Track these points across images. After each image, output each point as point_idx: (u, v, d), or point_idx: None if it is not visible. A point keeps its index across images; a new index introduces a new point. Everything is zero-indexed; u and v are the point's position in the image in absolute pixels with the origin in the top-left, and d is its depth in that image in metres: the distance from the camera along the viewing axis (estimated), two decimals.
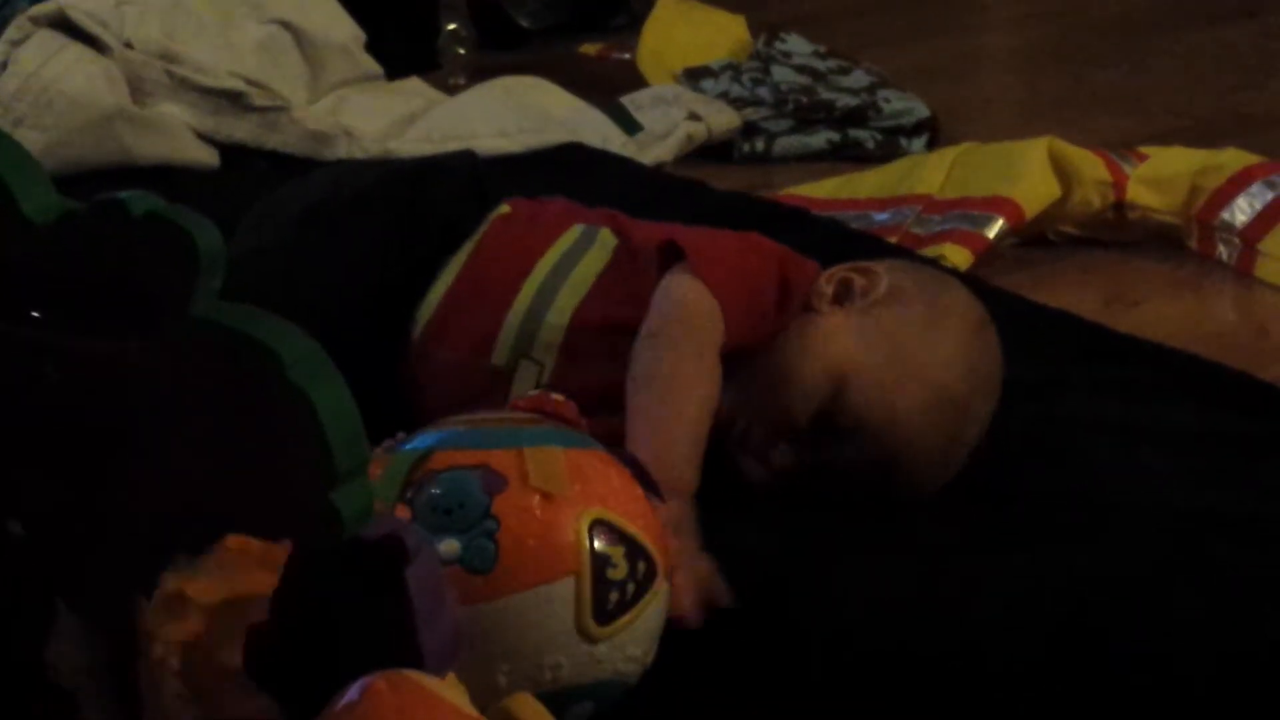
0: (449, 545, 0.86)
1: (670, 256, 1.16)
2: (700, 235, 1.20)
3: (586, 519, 0.88)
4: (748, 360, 1.14)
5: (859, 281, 1.16)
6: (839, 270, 1.18)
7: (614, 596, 0.88)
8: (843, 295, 1.16)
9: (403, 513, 0.87)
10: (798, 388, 1.11)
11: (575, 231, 1.22)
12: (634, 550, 0.89)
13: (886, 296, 1.15)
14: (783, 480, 1.12)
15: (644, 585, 0.89)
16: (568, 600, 0.87)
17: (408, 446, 0.92)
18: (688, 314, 1.12)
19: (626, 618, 0.88)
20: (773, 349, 1.14)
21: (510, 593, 0.86)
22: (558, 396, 0.97)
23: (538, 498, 0.87)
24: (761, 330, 1.14)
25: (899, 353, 1.11)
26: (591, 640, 0.87)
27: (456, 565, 0.85)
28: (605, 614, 0.88)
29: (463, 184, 1.27)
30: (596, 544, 0.88)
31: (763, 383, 1.13)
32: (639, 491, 0.93)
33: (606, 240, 1.21)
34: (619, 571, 0.88)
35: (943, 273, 1.34)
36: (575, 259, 1.20)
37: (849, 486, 1.11)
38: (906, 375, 1.11)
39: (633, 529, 0.89)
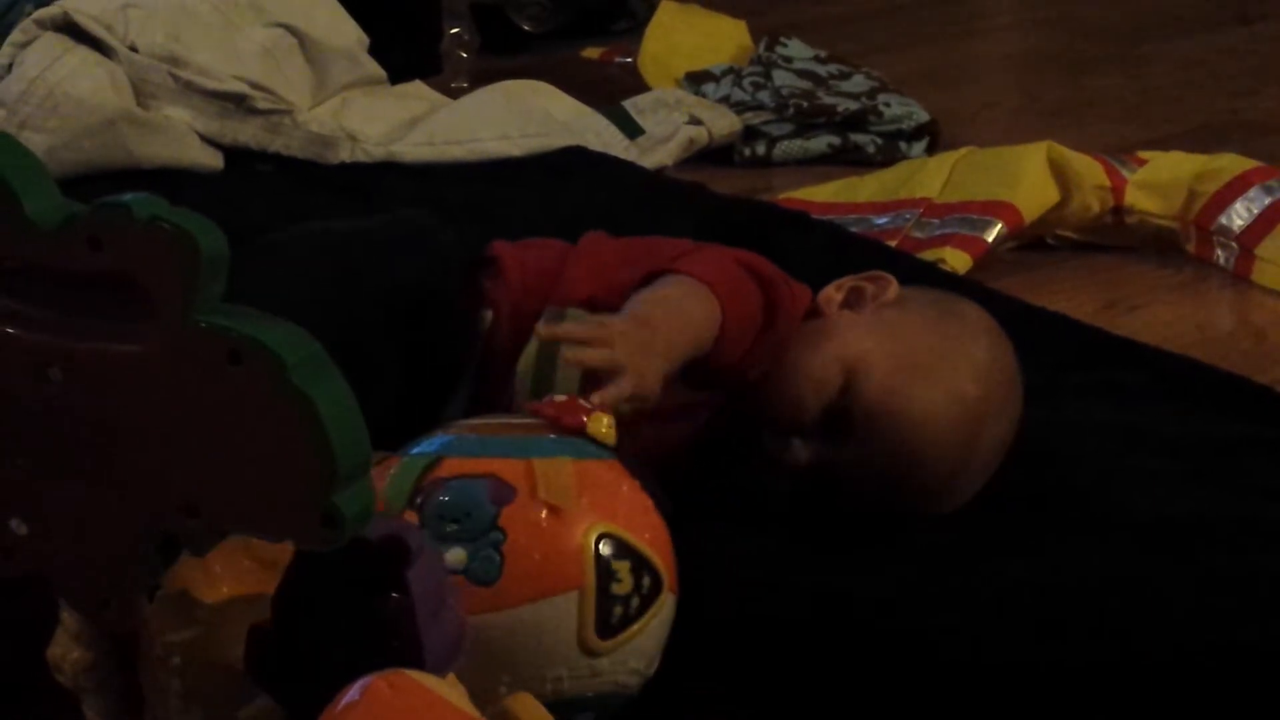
0: (455, 555, 0.86)
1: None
2: (696, 251, 1.15)
3: (593, 533, 0.88)
4: (755, 369, 1.13)
5: (870, 288, 1.16)
6: (849, 280, 1.17)
7: (618, 611, 0.88)
8: (853, 301, 1.16)
9: (410, 519, 0.87)
10: (809, 379, 1.10)
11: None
12: (639, 564, 0.89)
13: (897, 300, 1.15)
14: (802, 486, 1.10)
15: (649, 599, 0.89)
16: (570, 614, 0.87)
17: (417, 450, 0.91)
18: (687, 285, 1.08)
19: (629, 632, 0.88)
20: (781, 352, 1.13)
21: (513, 605, 0.86)
22: (586, 403, 0.95)
23: (545, 510, 0.87)
24: (747, 342, 1.11)
25: (910, 350, 1.10)
26: (593, 654, 0.88)
27: (461, 575, 0.85)
28: (608, 628, 0.88)
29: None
30: (602, 558, 0.87)
31: (774, 380, 1.12)
32: (648, 503, 0.92)
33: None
34: (623, 586, 0.88)
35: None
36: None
37: (865, 497, 1.10)
38: (918, 371, 1.09)
39: (639, 543, 0.89)
